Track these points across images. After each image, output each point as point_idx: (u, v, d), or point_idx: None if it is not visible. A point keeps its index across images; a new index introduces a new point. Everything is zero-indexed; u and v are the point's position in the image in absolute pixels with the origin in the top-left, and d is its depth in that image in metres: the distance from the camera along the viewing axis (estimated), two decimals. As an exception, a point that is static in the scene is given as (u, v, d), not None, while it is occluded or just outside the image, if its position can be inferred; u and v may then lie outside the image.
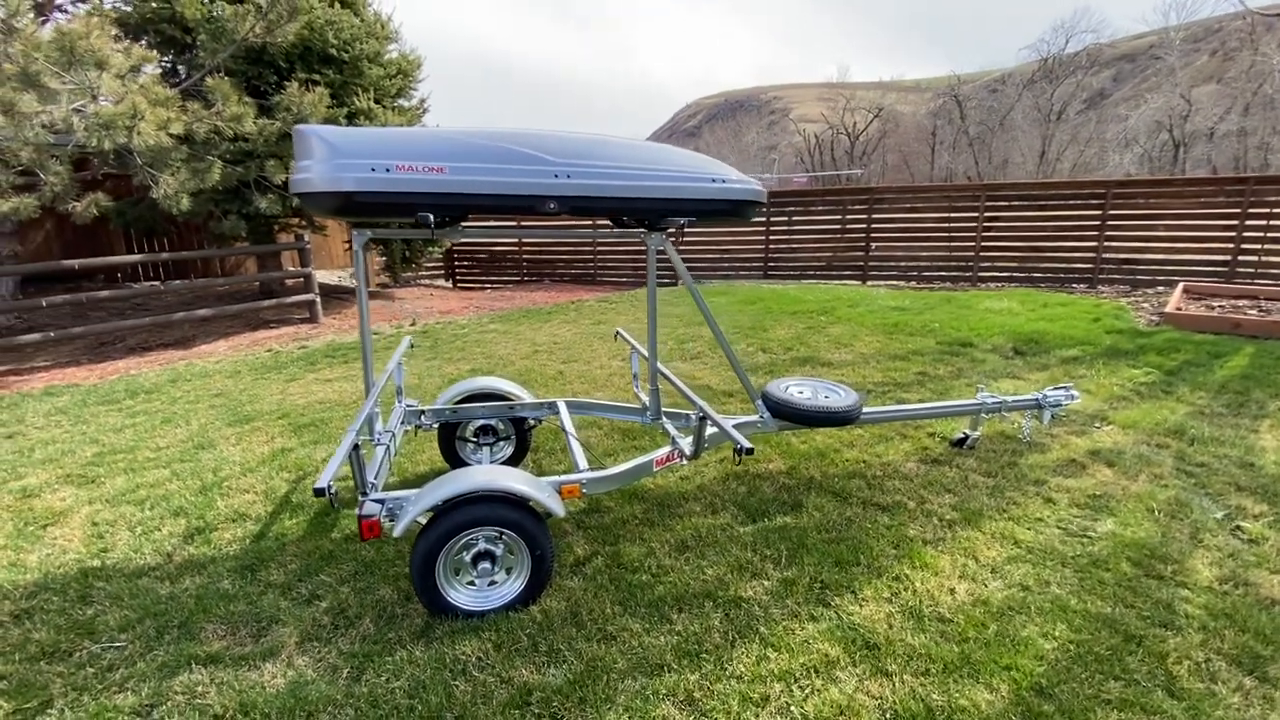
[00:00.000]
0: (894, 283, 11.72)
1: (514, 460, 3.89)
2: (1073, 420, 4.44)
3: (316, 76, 8.43)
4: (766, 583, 2.69)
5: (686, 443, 3.10)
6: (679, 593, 2.62)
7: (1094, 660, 2.21)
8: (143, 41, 8.24)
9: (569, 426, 3.36)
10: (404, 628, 2.44)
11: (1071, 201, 10.74)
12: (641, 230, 3.00)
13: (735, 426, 3.44)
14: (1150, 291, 9.70)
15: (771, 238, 12.55)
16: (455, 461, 3.78)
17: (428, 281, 14.54)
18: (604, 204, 2.62)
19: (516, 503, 2.46)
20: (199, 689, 2.15)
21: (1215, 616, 2.42)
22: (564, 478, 2.73)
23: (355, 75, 8.87)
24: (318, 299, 9.18)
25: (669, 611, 2.52)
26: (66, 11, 7.89)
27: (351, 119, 8.76)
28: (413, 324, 9.03)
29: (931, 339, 6.77)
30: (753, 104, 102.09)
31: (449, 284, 14.51)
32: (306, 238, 8.92)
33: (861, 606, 2.52)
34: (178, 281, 10.03)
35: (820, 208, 12.79)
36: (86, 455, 4.24)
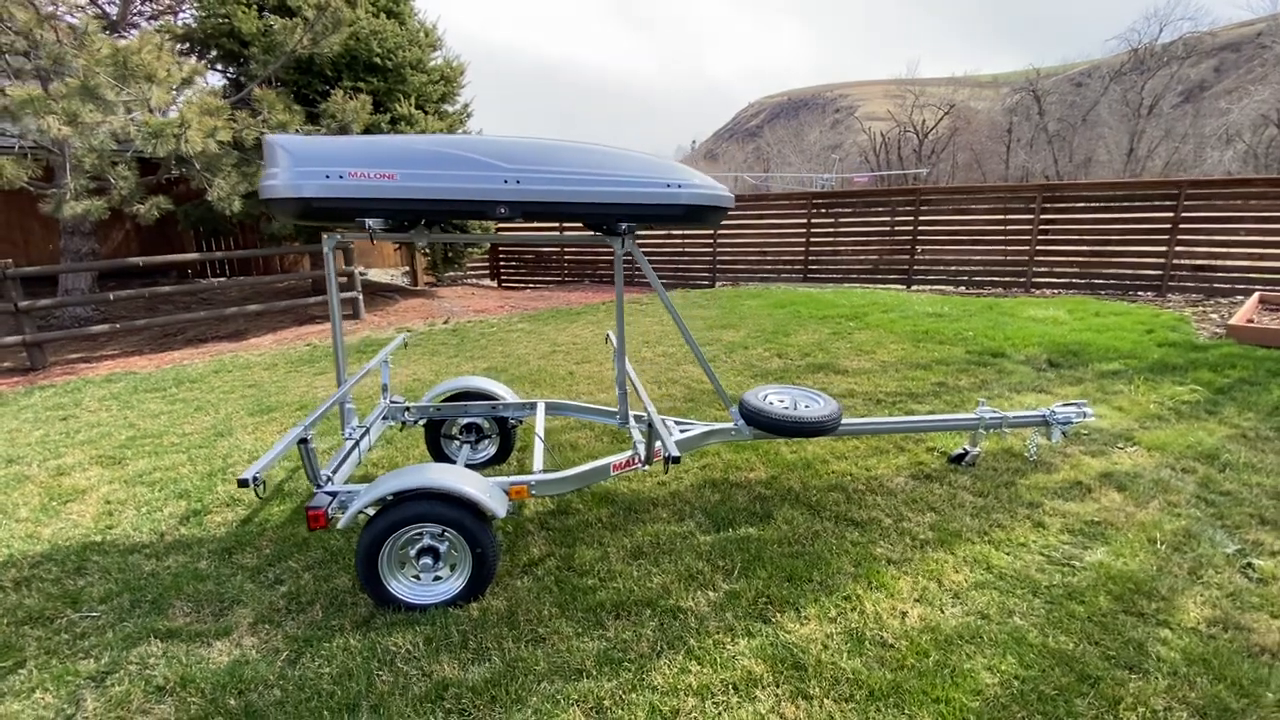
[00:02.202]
0: (940, 288, 11.23)
1: (498, 458, 3.97)
2: (1093, 439, 4.14)
3: (361, 84, 8.85)
4: (712, 594, 2.64)
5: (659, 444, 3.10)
6: (620, 599, 2.61)
7: (1037, 699, 2.06)
8: (211, 54, 8.89)
9: (539, 427, 3.40)
10: (349, 616, 2.54)
11: (1139, 203, 9.98)
12: (603, 233, 3.00)
13: (709, 433, 3.42)
14: (1225, 301, 8.91)
15: (812, 240, 12.25)
16: (440, 458, 3.90)
17: (474, 281, 14.98)
18: (554, 209, 2.64)
19: (458, 501, 2.52)
20: (151, 661, 2.31)
21: (1191, 661, 2.21)
22: (513, 478, 2.77)
23: (398, 82, 9.25)
24: (360, 296, 9.62)
25: (605, 617, 2.51)
26: (140, 27, 8.59)
27: (394, 125, 9.14)
28: (445, 322, 9.33)
29: (961, 348, 6.45)
30: (817, 102, 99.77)
31: (494, 283, 14.90)
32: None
33: (802, 625, 2.44)
34: (241, 278, 10.76)
35: (863, 209, 12.38)
36: (121, 438, 4.61)
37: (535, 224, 12.23)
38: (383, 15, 9.17)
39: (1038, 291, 10.47)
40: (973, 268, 11.10)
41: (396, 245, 14.60)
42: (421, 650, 2.33)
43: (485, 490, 2.56)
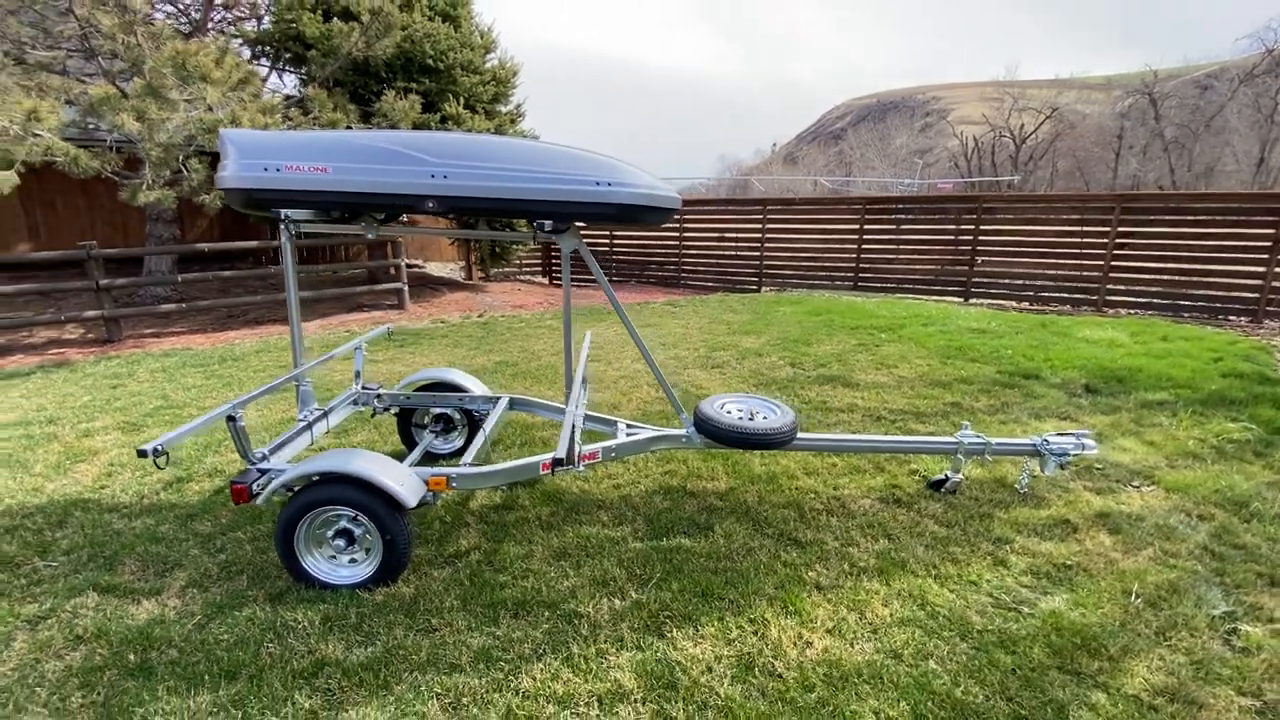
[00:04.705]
0: (1000, 303, 10.49)
1: (466, 449, 4.03)
2: (1105, 474, 3.74)
3: (413, 85, 9.25)
4: (617, 602, 2.58)
5: (596, 446, 3.07)
6: (525, 598, 2.59)
7: (916, 752, 1.88)
8: (286, 56, 9.55)
9: (490, 422, 3.43)
10: (266, 588, 2.66)
11: (1234, 217, 8.94)
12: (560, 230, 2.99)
13: (657, 439, 3.34)
14: (1333, 331, 7.82)
15: (864, 246, 11.75)
16: (411, 445, 4.01)
17: (526, 277, 15.35)
18: (481, 204, 2.65)
19: (370, 488, 2.57)
20: (82, 611, 2.51)
21: (1115, 732, 1.95)
22: (436, 470, 2.81)
23: (449, 83, 9.60)
24: (405, 287, 10.07)
25: (503, 615, 2.50)
26: (222, 31, 9.34)
27: (443, 123, 9.50)
28: (480, 315, 9.61)
29: (993, 367, 5.99)
30: (907, 105, 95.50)
31: (545, 280, 15.21)
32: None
33: (695, 644, 2.33)
34: (310, 265, 11.50)
35: (920, 216, 11.74)
36: (149, 407, 5.04)
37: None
38: (438, 19, 9.55)
39: (1111, 311, 9.59)
40: (1039, 282, 10.30)
41: (452, 240, 15.17)
42: (316, 628, 2.40)
43: (400, 480, 2.61)
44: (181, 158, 6.96)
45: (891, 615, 2.50)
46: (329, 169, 2.59)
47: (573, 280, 14.51)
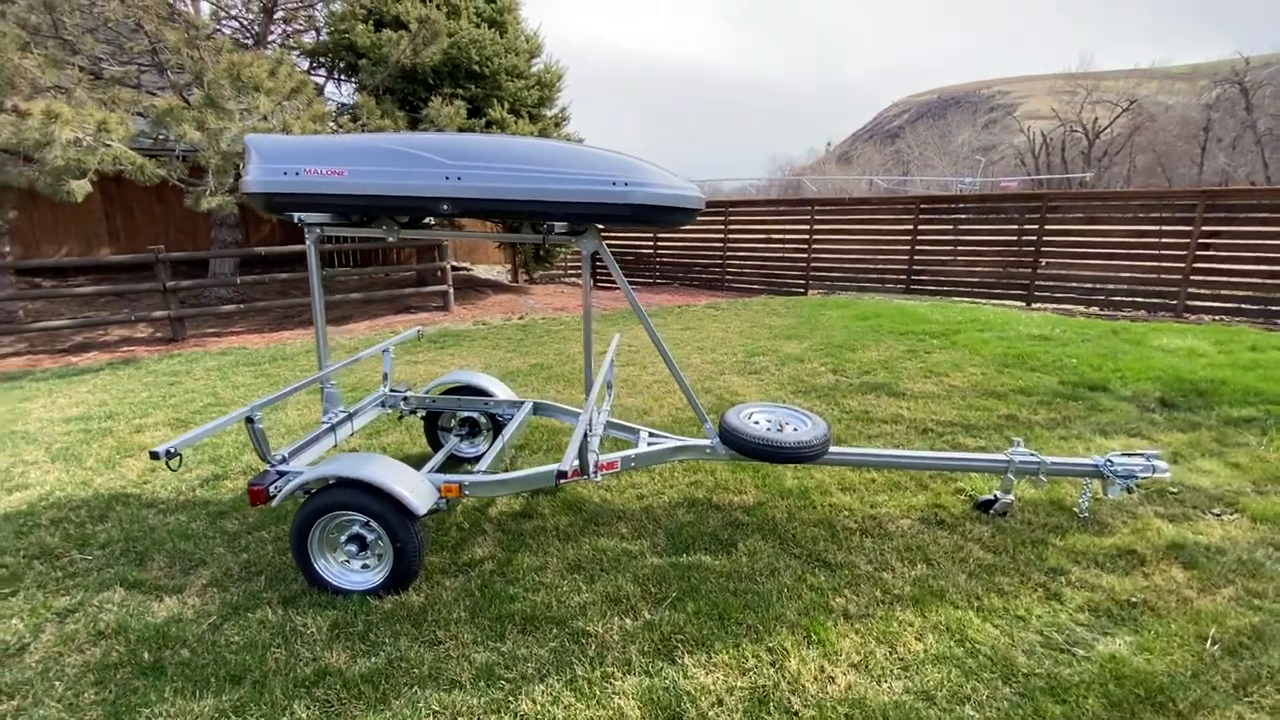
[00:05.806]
0: (1066, 307, 9.85)
1: (491, 454, 4.00)
2: (1180, 499, 3.38)
3: (460, 91, 9.40)
4: (629, 622, 2.46)
5: (615, 456, 2.97)
6: (533, 613, 2.51)
7: (943, 811, 1.68)
8: (341, 65, 9.87)
9: (511, 428, 3.37)
10: (281, 590, 2.66)
11: (1341, 214, 8.10)
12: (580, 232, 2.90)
13: (680, 449, 3.21)
14: None
15: (918, 248, 11.25)
16: (438, 448, 4.01)
17: (571, 280, 15.42)
18: (495, 206, 2.59)
19: (380, 494, 2.54)
20: (108, 606, 2.57)
21: (1182, 804, 1.70)
22: (449, 477, 2.76)
23: (495, 89, 9.72)
24: (450, 290, 10.24)
25: (510, 630, 2.42)
26: (282, 44, 9.72)
27: (488, 128, 9.62)
28: (521, 318, 9.67)
29: (1055, 377, 5.58)
30: (969, 100, 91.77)
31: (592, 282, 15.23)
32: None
33: (707, 673, 2.19)
34: (365, 268, 11.86)
35: (979, 216, 11.15)
36: (199, 404, 5.24)
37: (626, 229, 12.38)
38: (485, 25, 9.68)
39: (1193, 318, 8.85)
40: (1109, 286, 9.62)
41: (498, 243, 15.37)
42: (324, 634, 2.38)
43: (411, 487, 2.57)
44: (240, 165, 7.25)
45: (926, 651, 2.29)
46: (345, 172, 2.58)
47: (608, 285, 14.53)
